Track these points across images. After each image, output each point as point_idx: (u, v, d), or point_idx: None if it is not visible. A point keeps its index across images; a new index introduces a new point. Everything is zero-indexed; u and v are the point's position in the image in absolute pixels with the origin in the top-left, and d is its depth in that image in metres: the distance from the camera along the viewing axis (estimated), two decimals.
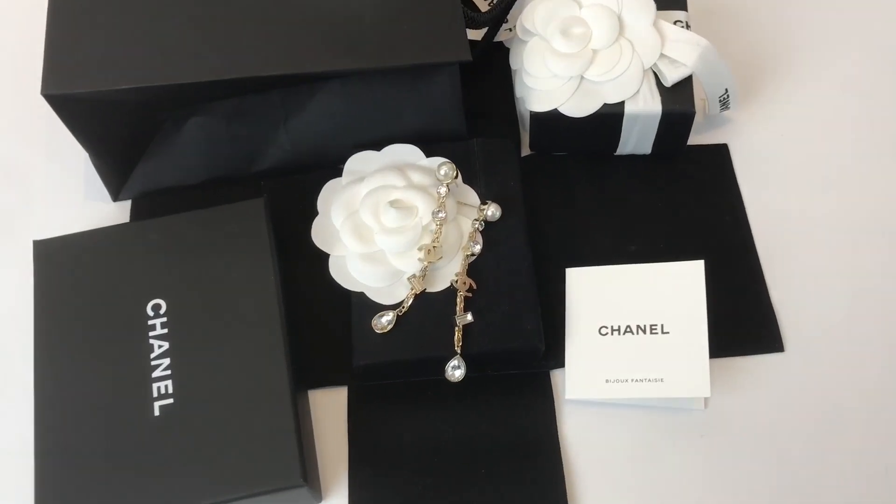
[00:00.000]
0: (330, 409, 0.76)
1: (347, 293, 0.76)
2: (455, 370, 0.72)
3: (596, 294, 0.77)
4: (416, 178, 0.78)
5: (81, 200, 0.85)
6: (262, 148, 0.83)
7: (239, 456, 0.67)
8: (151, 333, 0.71)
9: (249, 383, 0.69)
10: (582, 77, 0.79)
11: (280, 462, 0.66)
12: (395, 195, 0.77)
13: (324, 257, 0.77)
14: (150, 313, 0.72)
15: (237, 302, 0.72)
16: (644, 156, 0.84)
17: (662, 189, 0.83)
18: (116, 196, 0.83)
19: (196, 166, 0.83)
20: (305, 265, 0.78)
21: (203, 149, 0.82)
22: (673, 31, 0.79)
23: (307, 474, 0.67)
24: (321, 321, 0.78)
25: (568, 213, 0.83)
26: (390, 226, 0.76)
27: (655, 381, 0.73)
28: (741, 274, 0.80)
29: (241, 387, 0.69)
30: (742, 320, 0.78)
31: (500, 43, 0.88)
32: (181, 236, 0.76)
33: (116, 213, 0.84)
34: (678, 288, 0.76)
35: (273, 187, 0.84)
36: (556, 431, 0.74)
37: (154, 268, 0.74)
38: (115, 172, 0.82)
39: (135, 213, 0.84)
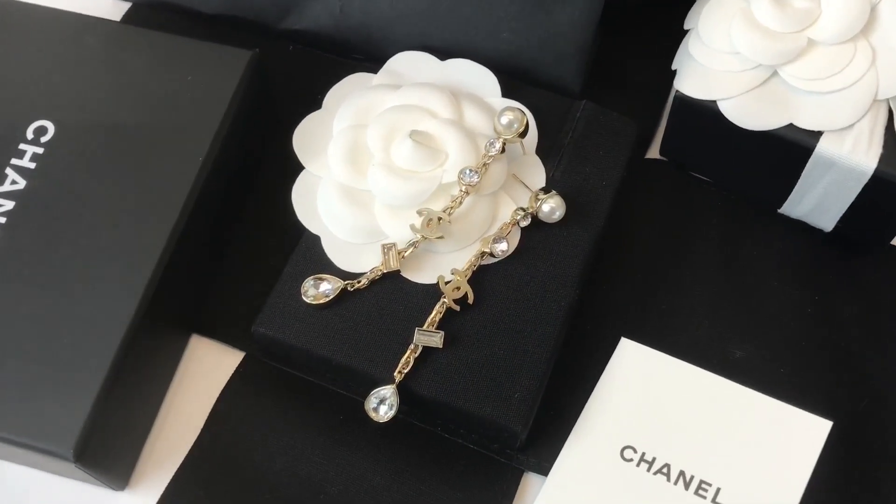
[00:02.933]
0: (214, 370, 0.52)
1: (301, 231, 0.51)
2: (380, 405, 0.46)
3: (648, 394, 0.48)
4: (470, 115, 0.52)
5: None
6: (304, 1, 0.59)
7: (21, 388, 0.44)
8: (13, 161, 0.49)
9: (82, 302, 0.46)
10: (775, 71, 0.50)
11: (57, 421, 0.43)
12: (425, 125, 0.51)
13: (296, 170, 0.52)
14: (29, 135, 0.50)
15: (141, 179, 0.49)
16: (821, 233, 0.54)
17: (829, 292, 0.53)
18: None
19: None
20: (280, 175, 0.54)
21: None
22: None
23: (88, 451, 0.43)
24: (260, 255, 0.54)
25: (668, 265, 0.54)
26: (398, 164, 0.50)
27: None
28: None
29: (68, 302, 0.46)
30: None
31: None
32: (129, 58, 0.53)
33: (111, 7, 0.63)
34: (777, 446, 0.46)
35: (299, 58, 0.60)
36: None
37: (67, 81, 0.52)
38: None
39: (127, 17, 0.63)
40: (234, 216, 0.55)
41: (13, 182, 0.49)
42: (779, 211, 0.54)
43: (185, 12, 0.62)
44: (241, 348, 0.52)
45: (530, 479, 0.49)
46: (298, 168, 0.52)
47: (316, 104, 0.54)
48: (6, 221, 0.48)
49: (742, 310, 0.52)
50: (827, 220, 0.53)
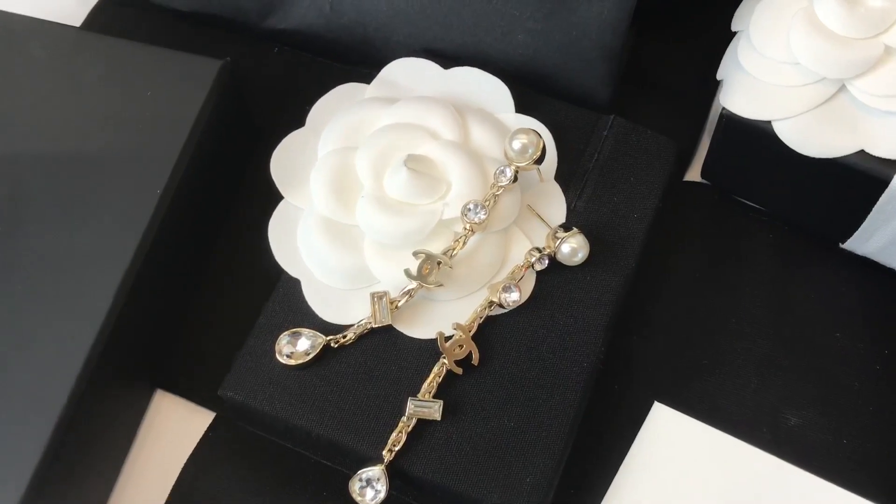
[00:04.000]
0: (180, 432, 0.45)
1: (279, 273, 0.43)
2: (366, 488, 0.39)
3: (685, 470, 0.41)
4: (478, 135, 0.44)
5: None
6: None
7: None
8: None
9: (26, 355, 0.39)
10: (844, 86, 0.41)
11: None
12: (425, 148, 0.43)
13: (277, 200, 0.45)
14: None
15: (92, 214, 0.42)
16: (891, 271, 0.46)
17: None
18: None
19: None
20: (260, 205, 0.47)
21: None
22: None
23: None
24: (233, 299, 0.47)
25: (709, 310, 0.46)
26: (391, 195, 0.42)
27: None
28: None
29: (12, 352, 0.39)
30: None
31: None
32: (80, 70, 0.45)
33: (75, 7, 0.55)
34: None
35: (286, 63, 0.53)
36: None
37: (8, 96, 0.45)
38: None
39: (92, 16, 0.55)
40: (204, 254, 0.47)
41: None
42: (842, 246, 0.46)
43: (157, 9, 0.54)
44: (210, 408, 0.45)
45: None
46: (280, 197, 0.45)
47: (304, 117, 0.47)
48: None
49: (798, 367, 0.44)
50: None
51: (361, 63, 0.51)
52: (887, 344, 0.44)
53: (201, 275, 0.47)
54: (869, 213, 0.42)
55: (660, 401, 0.43)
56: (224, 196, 0.48)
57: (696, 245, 0.47)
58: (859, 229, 0.44)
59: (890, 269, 0.45)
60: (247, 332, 0.43)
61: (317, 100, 0.48)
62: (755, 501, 0.40)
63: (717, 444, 0.41)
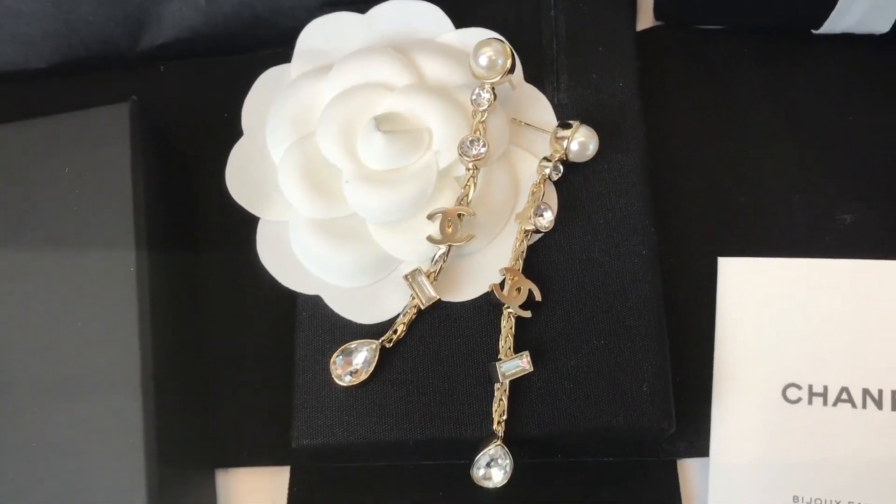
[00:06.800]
0: (257, 502, 0.40)
1: (292, 294, 0.39)
2: (491, 469, 0.36)
3: (781, 317, 0.39)
4: (432, 69, 0.40)
5: None
6: (156, 5, 0.45)
7: None
8: None
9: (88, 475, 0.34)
10: None
11: None
12: (387, 104, 0.39)
13: (254, 222, 0.40)
14: None
15: (60, 329, 0.36)
16: (874, 37, 0.44)
17: None
18: None
19: (44, 35, 0.46)
20: (224, 236, 0.42)
21: (47, 2, 0.44)
22: None
23: None
24: (247, 345, 0.42)
25: (721, 143, 0.43)
26: (375, 166, 0.38)
27: None
28: None
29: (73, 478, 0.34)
30: None
31: None
32: None
33: None
34: None
35: (177, 78, 0.47)
36: None
37: None
38: None
39: None
40: (192, 308, 0.42)
41: None
42: (816, 32, 0.44)
43: (14, 80, 0.47)
44: (278, 464, 0.40)
45: (684, 467, 0.39)
46: (246, 218, 0.40)
47: (224, 125, 0.42)
48: None
49: (831, 161, 0.42)
50: (884, 20, 0.43)
51: (261, 46, 0.46)
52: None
53: (202, 331, 0.42)
54: None
55: (720, 254, 0.41)
56: (186, 240, 0.43)
57: (682, 87, 0.44)
58: (838, 4, 0.42)
59: (874, 36, 0.44)
60: (262, 377, 0.39)
61: (231, 101, 0.42)
62: (857, 311, 0.38)
63: (793, 273, 0.40)
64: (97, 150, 0.38)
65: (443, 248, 0.37)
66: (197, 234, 0.43)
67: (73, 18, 0.45)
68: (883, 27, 0.43)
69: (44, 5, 0.44)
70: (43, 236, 0.37)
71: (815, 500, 0.36)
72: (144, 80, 0.47)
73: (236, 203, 0.39)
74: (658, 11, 0.45)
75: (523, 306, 0.37)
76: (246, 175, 0.40)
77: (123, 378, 0.35)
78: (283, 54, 0.42)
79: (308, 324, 0.38)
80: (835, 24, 0.43)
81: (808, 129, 0.43)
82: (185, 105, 0.46)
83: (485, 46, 0.38)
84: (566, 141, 0.38)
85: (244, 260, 0.40)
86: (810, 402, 0.37)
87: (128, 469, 0.34)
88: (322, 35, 0.42)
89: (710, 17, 0.45)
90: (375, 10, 0.42)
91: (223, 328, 0.42)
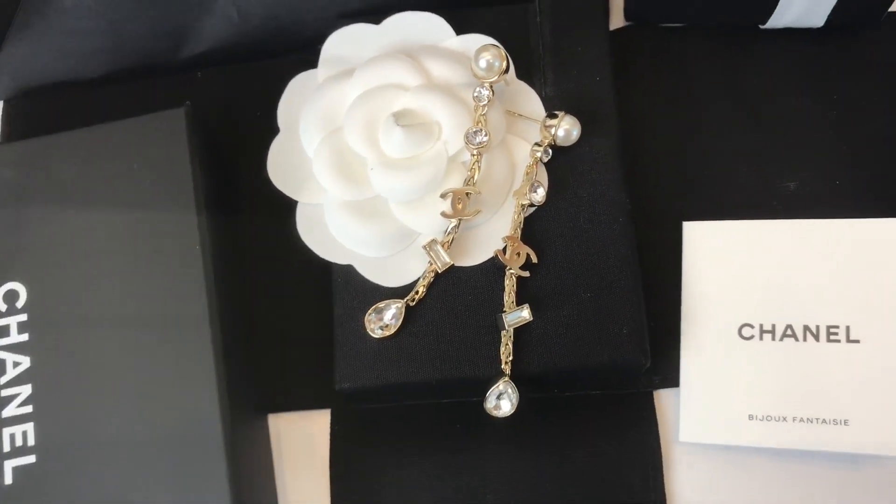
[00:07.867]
0: (302, 440, 0.48)
1: (326, 264, 0.46)
2: (500, 401, 0.44)
3: (736, 270, 0.47)
4: (439, 70, 0.47)
5: None
6: (194, 18, 0.52)
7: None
8: (2, 341, 0.43)
9: (163, 423, 0.42)
10: None
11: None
12: (402, 102, 0.46)
13: (290, 205, 0.47)
14: (1, 306, 0.44)
15: (139, 290, 0.44)
16: (811, 31, 0.52)
17: (840, 85, 0.51)
18: None
19: (94, 50, 0.52)
20: (263, 217, 0.49)
21: (101, 22, 0.51)
22: None
23: None
24: (287, 307, 0.50)
25: (684, 125, 0.51)
26: (395, 155, 0.46)
27: (835, 423, 0.44)
28: None
29: (142, 429, 0.41)
30: None
31: None
32: (52, 174, 0.46)
33: None
34: (879, 264, 0.45)
35: (213, 83, 0.54)
36: (663, 493, 0.46)
37: (5, 231, 0.45)
38: None
39: (7, 122, 0.54)
40: (248, 283, 0.50)
41: (16, 364, 0.43)
42: (762, 27, 0.52)
43: (67, 89, 0.54)
44: (320, 407, 0.48)
45: (660, 397, 0.47)
46: (282, 202, 0.47)
47: (258, 123, 0.49)
48: (34, 408, 0.42)
49: (775, 138, 0.50)
50: (817, 16, 0.50)
51: (286, 52, 0.53)
52: (849, 95, 0.50)
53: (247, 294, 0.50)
54: None
55: (684, 219, 0.48)
56: (235, 228, 0.50)
57: (651, 79, 0.52)
58: (775, 4, 0.49)
59: (810, 30, 0.51)
60: (302, 331, 0.47)
61: (262, 101, 0.50)
62: (802, 264, 0.46)
63: (748, 233, 0.47)
64: (161, 149, 0.45)
65: (454, 222, 0.45)
66: (240, 217, 0.51)
67: (122, 35, 0.52)
68: (818, 22, 0.51)
69: (98, 23, 0.51)
70: (122, 220, 0.44)
71: (766, 417, 0.44)
72: (184, 85, 0.54)
73: (274, 189, 0.47)
74: (628, 13, 0.53)
75: (522, 267, 0.45)
76: (284, 165, 0.47)
77: (196, 335, 0.43)
78: (307, 59, 0.50)
79: (343, 288, 0.46)
80: (777, 19, 0.51)
81: (757, 110, 0.51)
82: (221, 106, 0.53)
83: (484, 51, 0.45)
84: (553, 128, 0.46)
85: (281, 237, 0.47)
86: (761, 338, 0.45)
87: (204, 406, 0.42)
88: (343, 43, 0.49)
89: (672, 16, 0.53)
90: (388, 21, 0.49)
91: (265, 297, 0.50)
